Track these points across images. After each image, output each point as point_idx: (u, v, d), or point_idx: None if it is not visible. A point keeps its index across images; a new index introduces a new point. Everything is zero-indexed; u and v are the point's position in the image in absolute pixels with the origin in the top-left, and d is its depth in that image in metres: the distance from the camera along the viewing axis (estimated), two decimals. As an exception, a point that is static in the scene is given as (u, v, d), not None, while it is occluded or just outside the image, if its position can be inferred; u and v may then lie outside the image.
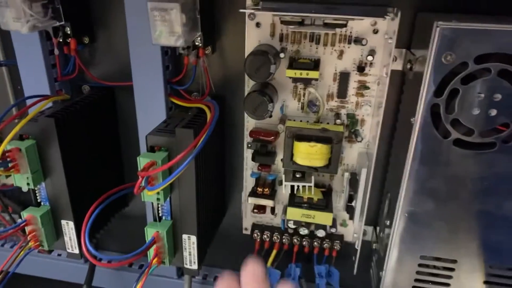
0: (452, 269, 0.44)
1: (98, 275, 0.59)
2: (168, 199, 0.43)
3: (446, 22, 0.34)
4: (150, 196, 0.41)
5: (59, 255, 0.64)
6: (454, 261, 0.43)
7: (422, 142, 0.39)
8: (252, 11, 0.43)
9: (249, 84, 0.47)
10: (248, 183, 0.53)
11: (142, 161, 0.39)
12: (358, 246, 0.48)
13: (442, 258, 0.44)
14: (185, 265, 0.46)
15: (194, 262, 0.46)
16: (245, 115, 0.49)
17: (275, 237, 0.53)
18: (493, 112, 0.36)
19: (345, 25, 0.40)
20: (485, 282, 0.44)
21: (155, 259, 0.43)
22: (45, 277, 0.65)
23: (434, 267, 0.45)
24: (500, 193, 0.39)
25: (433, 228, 0.42)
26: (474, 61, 0.35)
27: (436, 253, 0.44)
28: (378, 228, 0.53)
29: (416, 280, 0.45)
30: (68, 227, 0.48)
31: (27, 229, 0.47)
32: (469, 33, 0.34)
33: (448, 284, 0.45)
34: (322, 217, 0.47)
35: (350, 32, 0.43)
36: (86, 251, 0.38)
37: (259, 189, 0.50)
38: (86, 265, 0.60)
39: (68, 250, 0.50)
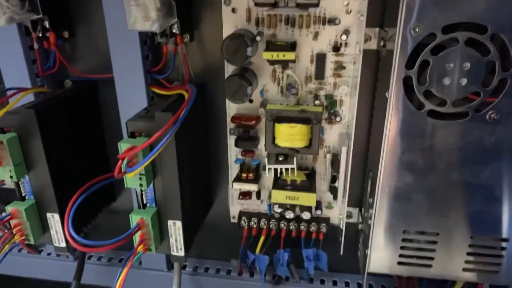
0: (435, 242, 0.45)
1: (87, 271, 0.59)
2: (151, 186, 0.44)
3: (412, -6, 0.35)
4: (133, 182, 0.41)
5: (48, 254, 0.64)
6: (436, 234, 0.44)
7: (397, 115, 0.39)
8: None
9: (228, 71, 0.47)
10: (233, 170, 0.53)
11: (122, 147, 0.39)
12: (342, 226, 0.49)
13: (424, 231, 0.44)
14: (172, 252, 0.47)
15: (181, 249, 0.46)
16: (227, 102, 0.49)
17: (262, 223, 0.54)
18: (464, 82, 0.37)
19: (317, 5, 0.41)
20: (468, 254, 0.44)
21: (141, 246, 0.43)
22: (36, 278, 0.65)
23: (418, 241, 0.45)
24: (475, 162, 0.40)
25: (413, 201, 0.43)
26: (441, 32, 0.36)
27: (418, 227, 0.44)
28: (363, 209, 0.53)
29: (401, 255, 0.46)
30: (53, 220, 0.48)
31: (12, 223, 0.47)
32: (435, 3, 0.35)
33: (431, 258, 0.45)
34: (306, 198, 0.48)
35: (324, 13, 0.43)
36: (69, 237, 0.38)
37: (244, 175, 0.51)
38: (75, 263, 0.60)
39: (55, 244, 0.50)
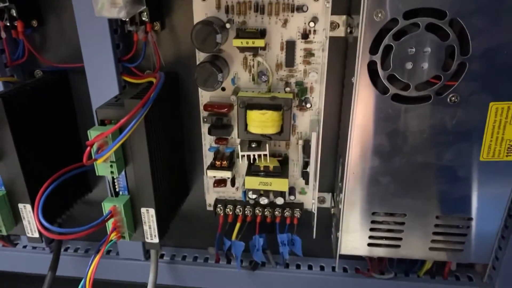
0: (402, 223, 0.46)
1: (64, 263, 0.59)
2: (123, 173, 0.44)
3: (374, -19, 0.36)
4: (103, 169, 0.41)
5: (24, 247, 0.63)
6: (404, 215, 0.46)
7: (363, 100, 0.40)
8: (196, -17, 0.44)
9: (200, 58, 0.48)
10: (208, 158, 0.54)
11: (92, 134, 0.39)
12: (314, 209, 0.50)
13: (392, 213, 0.46)
14: (146, 239, 0.47)
15: (155, 236, 0.47)
16: (199, 90, 0.50)
17: (237, 210, 0.54)
18: (425, 66, 0.38)
19: (284, -8, 0.42)
20: (434, 233, 0.46)
21: (114, 233, 0.43)
22: (11, 271, 0.64)
23: (387, 223, 0.47)
24: (439, 144, 0.42)
25: (381, 184, 0.44)
26: (403, 17, 0.37)
27: (386, 208, 0.46)
28: (335, 194, 0.55)
29: (371, 237, 0.48)
30: (26, 210, 0.48)
31: (-17, 214, 0.46)
32: (396, -11, 0.36)
33: (400, 238, 0.47)
34: (279, 184, 0.49)
35: (292, 1, 0.44)
36: (40, 225, 0.38)
37: (218, 162, 0.51)
38: (51, 255, 0.60)
39: (28, 235, 0.49)
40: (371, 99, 0.40)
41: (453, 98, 0.39)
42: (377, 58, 0.39)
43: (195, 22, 0.45)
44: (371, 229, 0.47)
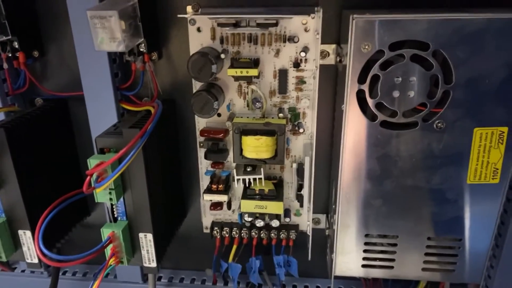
0: (395, 245, 0.47)
1: (62, 286, 0.59)
2: (122, 200, 0.45)
3: (360, 15, 0.38)
4: (103, 196, 0.42)
5: (22, 271, 0.64)
6: (396, 237, 0.47)
7: (352, 126, 0.42)
8: (192, 16, 0.46)
9: (196, 86, 0.49)
10: (204, 182, 0.55)
11: (92, 163, 0.41)
12: (309, 232, 0.51)
13: (385, 235, 0.47)
14: (144, 264, 0.48)
15: (153, 260, 0.48)
16: (196, 116, 0.51)
17: (234, 232, 0.55)
18: (411, 94, 0.40)
19: (276, 24, 0.44)
20: (426, 254, 0.47)
21: (113, 259, 0.44)
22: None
23: (380, 244, 0.48)
24: (427, 168, 0.43)
25: (372, 206, 0.45)
26: (388, 49, 0.39)
27: (379, 230, 0.47)
28: (329, 216, 0.56)
29: (365, 258, 0.48)
30: (25, 236, 0.49)
31: (-17, 241, 0.47)
32: (382, 23, 0.38)
33: (393, 260, 0.48)
34: (274, 207, 0.50)
35: (284, 32, 0.46)
36: (40, 253, 0.39)
37: (214, 186, 0.52)
38: (49, 279, 0.60)
39: (27, 261, 0.50)
40: (360, 125, 0.42)
41: (439, 124, 0.41)
42: (365, 87, 0.40)
43: (191, 52, 0.47)
44: (365, 251, 0.48)
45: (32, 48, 0.51)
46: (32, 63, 0.53)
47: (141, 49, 0.47)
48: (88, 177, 0.38)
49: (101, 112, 0.50)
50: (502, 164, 0.42)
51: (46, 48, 0.53)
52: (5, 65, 0.50)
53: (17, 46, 0.49)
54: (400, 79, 0.40)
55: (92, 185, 0.39)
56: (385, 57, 0.39)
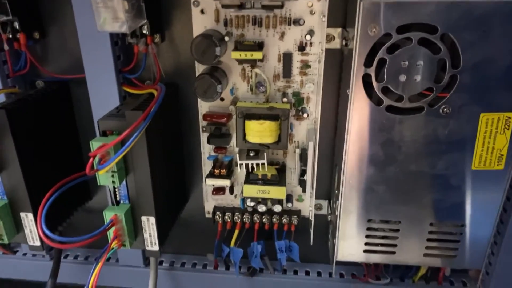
0: (397, 230, 0.47)
1: (64, 270, 0.59)
2: (124, 183, 0.45)
3: (368, -3, 0.37)
4: (105, 179, 0.42)
5: (24, 254, 0.64)
6: (398, 222, 0.47)
7: (358, 111, 0.42)
8: (195, -3, 0.45)
9: (199, 70, 0.49)
10: (207, 166, 0.55)
11: (94, 145, 0.40)
12: (311, 217, 0.51)
13: (387, 220, 0.47)
14: (146, 247, 0.48)
15: (155, 243, 0.48)
16: (199, 100, 0.51)
17: (236, 217, 0.55)
18: (418, 78, 0.40)
19: (281, 6, 0.43)
20: (428, 240, 0.47)
21: (115, 242, 0.44)
22: (11, 278, 0.65)
23: (382, 230, 0.48)
24: (432, 153, 0.43)
25: (376, 192, 0.45)
26: (396, 32, 0.38)
27: (381, 216, 0.47)
28: (331, 201, 0.56)
29: (367, 243, 0.49)
30: (27, 219, 0.49)
31: (-15, 223, 0.47)
32: (389, 6, 0.37)
33: (395, 245, 0.48)
34: (276, 192, 0.50)
35: (289, 14, 0.45)
36: (43, 234, 0.39)
37: (216, 171, 0.52)
38: (51, 262, 0.60)
39: (29, 243, 0.50)
40: (366, 110, 0.41)
41: (445, 109, 0.41)
42: (372, 71, 0.40)
43: (194, 35, 0.47)
44: (367, 236, 0.48)
45: (33, 29, 0.50)
46: (33, 45, 0.52)
47: (144, 31, 0.46)
48: (91, 159, 0.37)
49: (103, 95, 0.50)
50: (507, 150, 0.42)
51: (47, 30, 0.52)
52: (6, 47, 0.49)
53: (17, 27, 0.48)
54: (407, 63, 0.39)
55: (95, 167, 0.39)
56: (392, 40, 0.38)
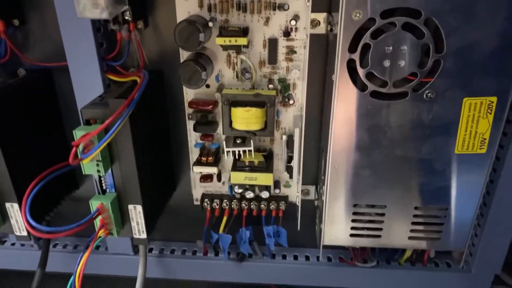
0: (383, 214, 0.48)
1: (53, 259, 0.59)
2: (110, 172, 0.44)
3: (351, -19, 0.37)
4: (90, 168, 0.42)
5: (12, 244, 0.64)
6: (384, 207, 0.47)
7: (342, 96, 0.42)
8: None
9: (183, 57, 0.48)
10: (194, 154, 0.54)
11: (78, 134, 0.40)
12: (298, 202, 0.52)
13: (373, 204, 0.48)
14: (134, 235, 0.48)
15: (143, 232, 0.48)
16: (184, 87, 0.50)
17: (224, 204, 0.56)
18: (402, 63, 0.40)
19: (265, -9, 0.42)
20: (413, 223, 0.48)
21: (102, 230, 0.44)
22: (1, 268, 0.64)
23: (368, 214, 0.48)
24: (416, 138, 0.43)
25: (362, 177, 0.46)
26: (380, 16, 0.38)
27: (367, 200, 0.47)
28: (318, 187, 0.56)
29: (353, 228, 0.49)
30: (13, 209, 0.48)
31: (-30, 214, 0.46)
32: (373, -10, 0.37)
33: (380, 229, 0.49)
34: (264, 178, 0.50)
35: (274, -1, 0.45)
36: (28, 224, 0.39)
37: (203, 158, 0.52)
38: (40, 252, 0.60)
39: (16, 233, 0.50)
40: (350, 96, 0.42)
41: (429, 94, 0.41)
42: (356, 56, 0.40)
43: (178, 21, 0.46)
44: (353, 220, 0.49)
45: (12, 16, 0.49)
46: (13, 32, 0.51)
47: (126, 17, 0.45)
48: (74, 148, 0.37)
49: (86, 83, 0.49)
50: (489, 134, 0.42)
51: (27, 16, 0.51)
52: (-16, 34, 0.48)
53: (-5, 14, 0.47)
54: (391, 48, 0.39)
55: (79, 157, 0.39)
56: (376, 25, 0.38)
